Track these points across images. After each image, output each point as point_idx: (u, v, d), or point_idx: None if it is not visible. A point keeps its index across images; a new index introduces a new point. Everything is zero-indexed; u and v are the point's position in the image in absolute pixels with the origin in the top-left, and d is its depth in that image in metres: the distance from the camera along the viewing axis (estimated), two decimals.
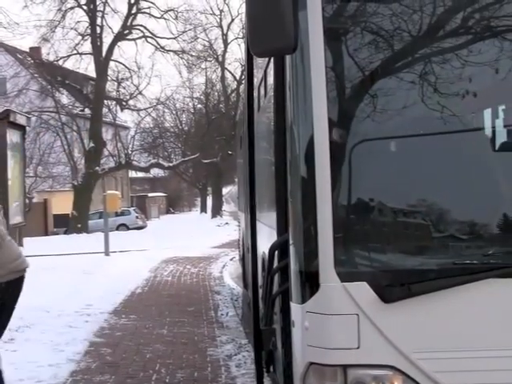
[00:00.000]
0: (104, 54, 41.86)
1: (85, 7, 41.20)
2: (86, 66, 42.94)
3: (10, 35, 38.43)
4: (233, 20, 51.70)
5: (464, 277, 3.70)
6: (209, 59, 51.05)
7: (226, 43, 52.64)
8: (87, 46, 41.94)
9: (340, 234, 3.77)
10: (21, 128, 17.91)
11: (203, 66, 50.80)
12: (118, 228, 43.74)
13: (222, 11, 52.43)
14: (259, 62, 6.48)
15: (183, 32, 44.28)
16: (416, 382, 3.72)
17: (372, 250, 3.84)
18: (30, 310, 11.35)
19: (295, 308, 4.01)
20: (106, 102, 43.30)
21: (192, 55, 46.60)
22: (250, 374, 7.85)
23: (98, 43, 41.70)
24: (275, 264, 4.55)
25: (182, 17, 44.00)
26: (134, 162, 45.43)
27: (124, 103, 44.61)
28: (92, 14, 41.17)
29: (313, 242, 3.77)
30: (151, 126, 52.38)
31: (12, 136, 16.97)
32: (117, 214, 40.59)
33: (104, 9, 41.53)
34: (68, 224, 41.04)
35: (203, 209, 63.21)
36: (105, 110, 43.44)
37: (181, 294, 15.06)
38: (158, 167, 48.85)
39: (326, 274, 3.74)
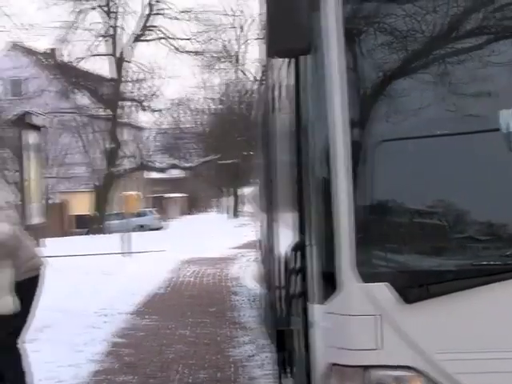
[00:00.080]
0: (120, 55, 41.96)
1: (101, 8, 41.32)
2: (103, 67, 43.08)
3: (26, 37, 38.63)
4: (250, 21, 51.70)
5: (487, 277, 3.68)
6: (225, 60, 51.08)
7: (242, 44, 52.69)
8: (104, 48, 42.11)
9: (360, 235, 3.76)
10: (38, 129, 17.96)
11: (220, 66, 50.90)
12: (137, 229, 43.82)
13: (238, 12, 52.31)
14: (277, 63, 6.48)
15: (199, 33, 44.39)
16: (437, 383, 3.71)
17: (392, 251, 3.83)
18: (50, 310, 11.39)
19: (315, 309, 4.00)
20: (123, 102, 43.42)
21: (208, 56, 46.71)
22: (271, 374, 7.85)
23: (115, 44, 41.82)
24: (295, 265, 4.55)
25: (197, 18, 44.10)
26: (153, 163, 45.53)
27: (142, 104, 44.72)
28: (108, 15, 41.31)
29: (333, 242, 3.76)
30: (169, 126, 52.47)
31: (29, 137, 17.02)
32: (136, 215, 40.66)
33: (120, 10, 41.67)
34: (89, 224, 41.18)
35: (222, 209, 63.25)
36: (123, 110, 43.56)
37: (202, 294, 15.09)
38: (177, 168, 48.94)
39: (346, 274, 3.73)
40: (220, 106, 55.10)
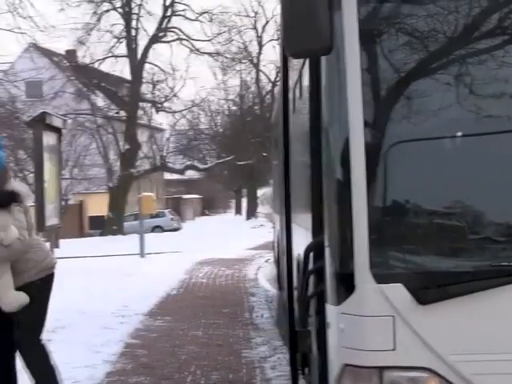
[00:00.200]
0: (139, 56, 42.06)
1: (120, 10, 41.43)
2: (122, 69, 43.14)
3: (46, 38, 38.72)
4: (267, 22, 51.59)
5: (503, 278, 3.67)
6: (243, 61, 51.09)
7: (260, 45, 52.61)
8: (122, 49, 42.20)
9: (375, 236, 3.76)
10: (57, 130, 18.03)
11: (238, 67, 50.94)
12: (153, 230, 43.86)
13: (256, 13, 52.23)
14: (294, 64, 6.47)
15: (218, 34, 44.45)
16: None
17: (407, 252, 3.82)
18: (65, 311, 11.45)
19: (330, 309, 4.01)
20: (141, 104, 43.52)
21: (227, 57, 46.76)
22: (285, 376, 7.83)
23: (133, 46, 41.90)
24: (310, 266, 4.55)
25: (216, 19, 44.16)
26: (169, 164, 45.61)
27: (159, 105, 44.79)
28: (127, 16, 41.40)
29: (348, 243, 3.77)
30: (186, 128, 52.53)
31: (48, 138, 17.09)
32: (152, 216, 40.64)
33: (139, 11, 41.73)
34: (103, 226, 41.26)
35: (238, 211, 63.31)
36: (140, 112, 43.65)
37: (215, 295, 15.07)
38: (193, 169, 48.92)
39: (361, 275, 3.73)
40: (236, 107, 55.12)
